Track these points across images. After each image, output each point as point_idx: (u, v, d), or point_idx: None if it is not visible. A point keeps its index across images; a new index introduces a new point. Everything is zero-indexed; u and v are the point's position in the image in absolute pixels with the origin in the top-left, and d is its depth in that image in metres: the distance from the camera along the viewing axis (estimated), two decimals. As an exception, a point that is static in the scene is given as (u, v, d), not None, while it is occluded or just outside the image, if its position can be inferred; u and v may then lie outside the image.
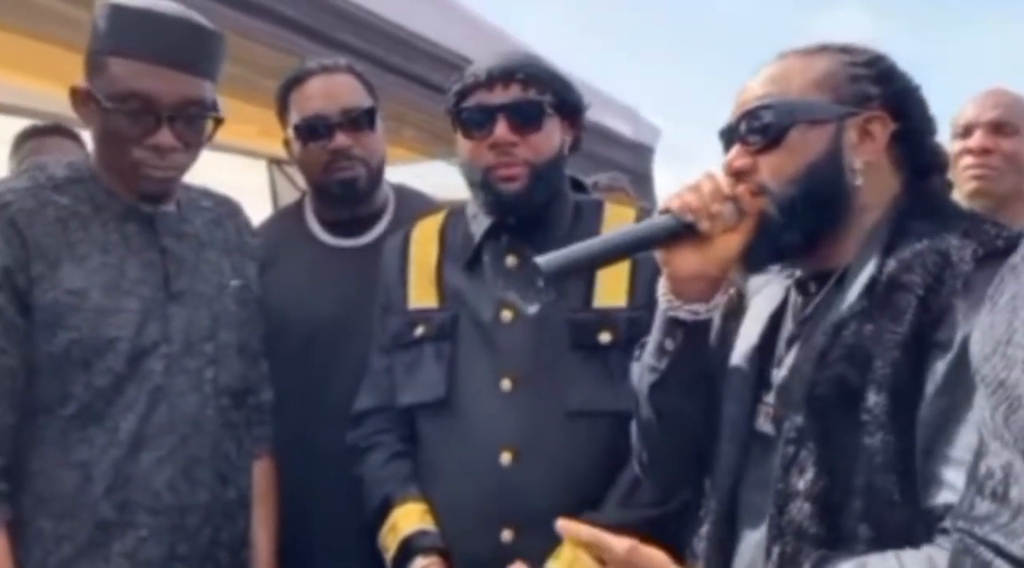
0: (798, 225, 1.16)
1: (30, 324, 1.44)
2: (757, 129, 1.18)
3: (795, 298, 1.24)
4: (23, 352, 1.44)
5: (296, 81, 1.95)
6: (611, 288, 1.63)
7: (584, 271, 1.30)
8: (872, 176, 1.16)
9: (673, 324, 1.24)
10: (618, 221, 1.70)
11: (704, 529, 1.25)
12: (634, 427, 1.35)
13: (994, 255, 1.01)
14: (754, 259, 1.22)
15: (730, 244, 1.19)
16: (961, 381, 0.97)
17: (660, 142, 6.93)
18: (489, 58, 1.66)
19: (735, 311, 1.31)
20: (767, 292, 1.29)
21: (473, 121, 1.63)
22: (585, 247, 1.21)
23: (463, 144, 1.66)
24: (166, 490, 1.51)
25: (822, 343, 1.10)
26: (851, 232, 1.16)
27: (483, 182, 1.63)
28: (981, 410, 0.68)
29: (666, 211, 1.20)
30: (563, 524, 1.08)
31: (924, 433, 1.01)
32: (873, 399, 1.04)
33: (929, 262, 1.05)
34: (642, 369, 1.30)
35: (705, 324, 1.25)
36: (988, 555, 0.65)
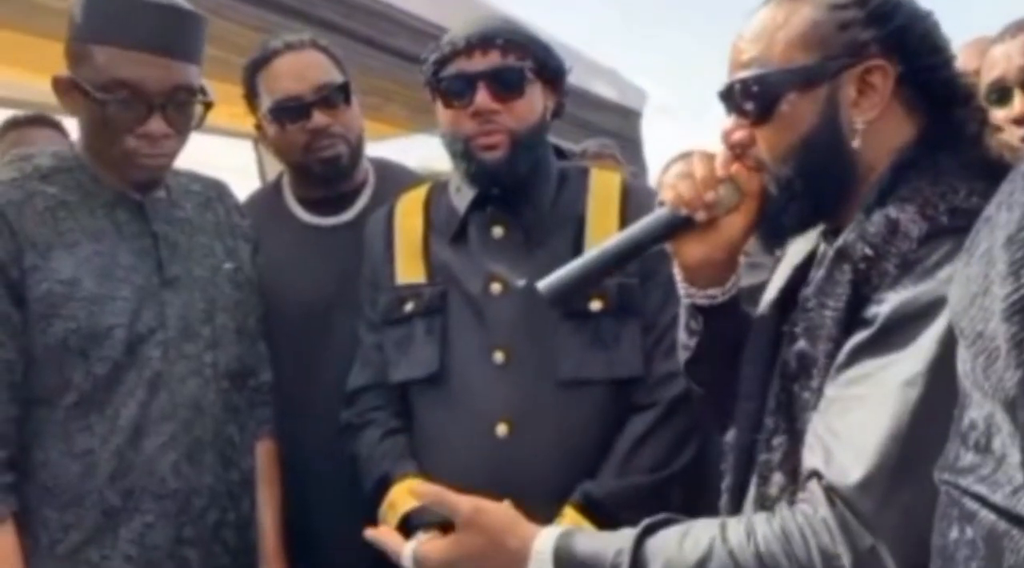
0: (799, 203, 1.09)
1: (25, 316, 1.44)
2: (749, 97, 1.08)
3: (822, 249, 1.13)
4: (20, 344, 1.44)
5: (262, 62, 1.88)
6: None
7: (586, 288, 1.27)
8: (878, 131, 1.05)
9: (693, 309, 1.23)
10: (604, 188, 1.69)
11: (725, 481, 1.23)
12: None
13: (937, 234, 0.95)
14: (765, 238, 1.17)
15: (734, 227, 1.15)
16: (870, 355, 0.94)
17: (648, 104, 6.91)
18: (467, 25, 1.61)
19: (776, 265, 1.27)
20: (799, 241, 1.20)
21: (453, 90, 1.59)
22: (583, 263, 1.19)
23: (443, 114, 1.63)
24: (171, 475, 1.51)
25: (797, 315, 1.05)
26: (863, 190, 1.07)
27: (464, 152, 1.61)
28: (962, 363, 0.69)
29: (661, 204, 1.18)
30: (412, 485, 1.13)
31: (826, 395, 0.97)
32: (817, 382, 1.00)
33: (876, 236, 0.97)
34: (679, 343, 1.30)
35: (727, 303, 1.21)
36: (973, 506, 0.66)
